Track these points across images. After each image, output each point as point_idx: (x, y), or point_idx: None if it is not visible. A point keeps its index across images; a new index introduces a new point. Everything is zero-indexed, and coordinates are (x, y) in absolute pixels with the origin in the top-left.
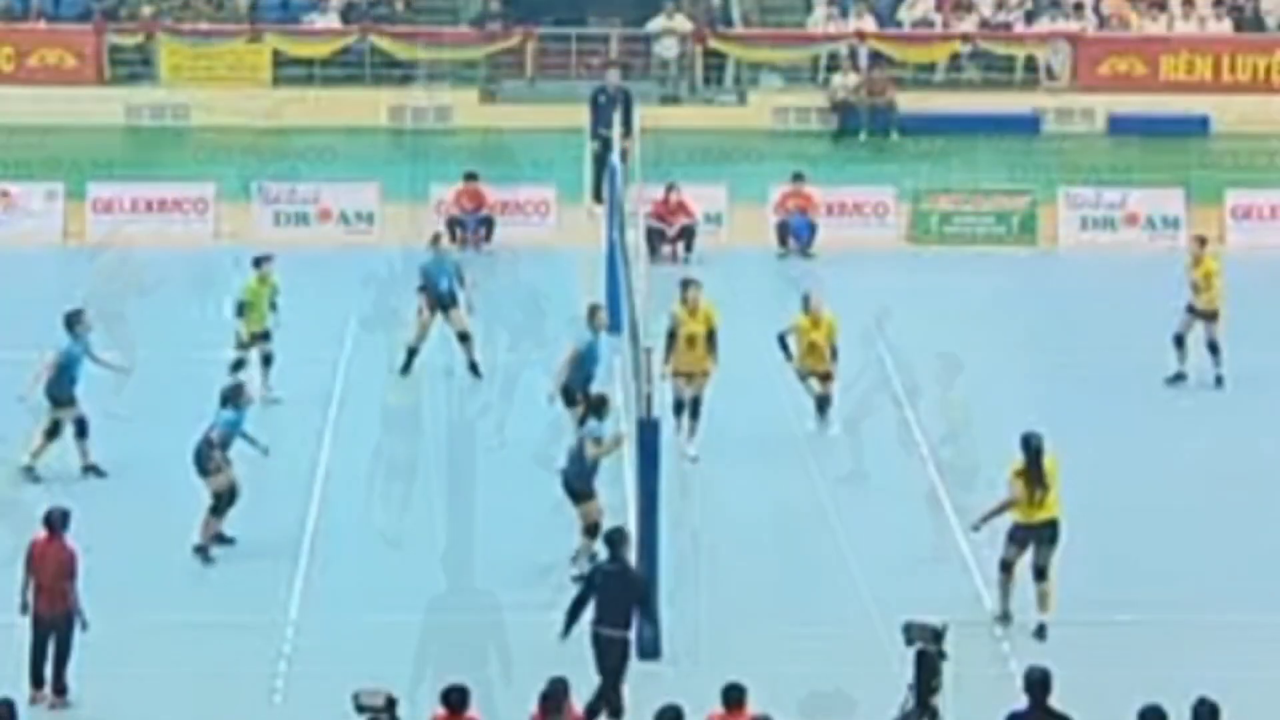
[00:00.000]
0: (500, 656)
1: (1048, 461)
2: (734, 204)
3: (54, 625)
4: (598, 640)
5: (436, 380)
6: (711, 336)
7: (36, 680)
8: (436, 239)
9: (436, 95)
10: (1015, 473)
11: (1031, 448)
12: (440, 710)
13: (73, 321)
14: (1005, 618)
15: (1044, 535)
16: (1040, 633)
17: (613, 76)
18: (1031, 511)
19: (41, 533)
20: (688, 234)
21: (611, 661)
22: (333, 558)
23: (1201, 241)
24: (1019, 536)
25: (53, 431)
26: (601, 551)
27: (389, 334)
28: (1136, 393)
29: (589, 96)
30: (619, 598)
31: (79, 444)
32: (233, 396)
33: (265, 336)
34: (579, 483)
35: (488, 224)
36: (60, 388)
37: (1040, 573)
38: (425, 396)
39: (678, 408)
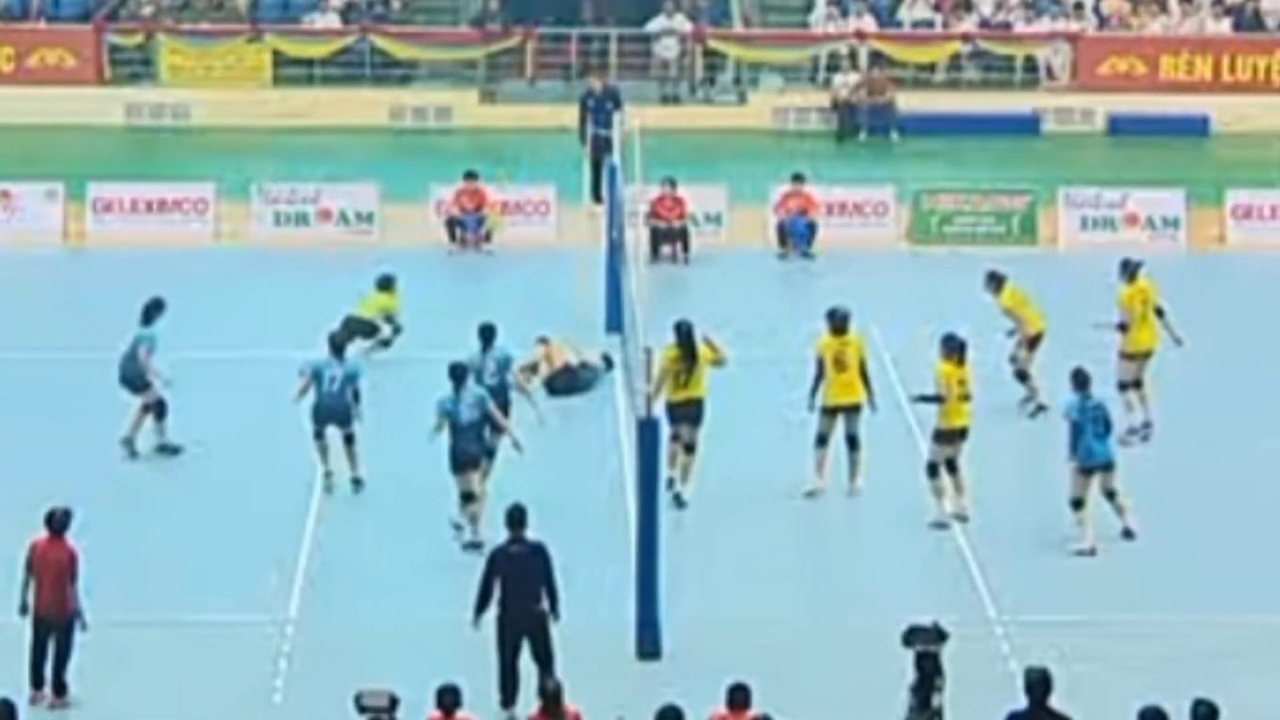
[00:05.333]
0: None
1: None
2: (734, 204)
3: (54, 625)
4: (518, 623)
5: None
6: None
7: (36, 680)
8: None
9: (436, 95)
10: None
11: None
12: (435, 712)
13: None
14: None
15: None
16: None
17: (595, 83)
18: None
19: (42, 533)
20: (683, 233)
21: (542, 641)
22: (333, 558)
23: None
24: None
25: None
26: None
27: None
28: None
29: (578, 100)
30: (527, 578)
31: (157, 424)
32: (461, 376)
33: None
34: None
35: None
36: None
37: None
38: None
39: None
